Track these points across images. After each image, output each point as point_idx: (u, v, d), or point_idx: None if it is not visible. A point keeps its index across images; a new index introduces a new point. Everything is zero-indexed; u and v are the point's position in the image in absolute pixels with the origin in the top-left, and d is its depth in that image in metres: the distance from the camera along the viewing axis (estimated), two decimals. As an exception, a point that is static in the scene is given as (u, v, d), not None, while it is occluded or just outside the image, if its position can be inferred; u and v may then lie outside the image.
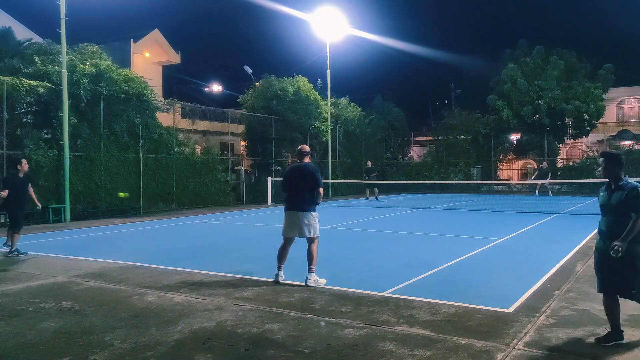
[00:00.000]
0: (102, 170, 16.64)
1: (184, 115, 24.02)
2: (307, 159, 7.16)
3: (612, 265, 4.37)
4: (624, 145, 32.48)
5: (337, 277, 7.01)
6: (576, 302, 5.69)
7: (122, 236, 11.75)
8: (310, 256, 6.81)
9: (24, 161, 9.71)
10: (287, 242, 7.06)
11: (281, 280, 6.83)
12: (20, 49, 17.73)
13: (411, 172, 34.59)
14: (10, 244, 9.21)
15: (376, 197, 23.53)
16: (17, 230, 9.20)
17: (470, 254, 8.80)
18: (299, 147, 7.34)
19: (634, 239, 4.29)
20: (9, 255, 9.08)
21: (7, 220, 9.82)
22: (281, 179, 7.34)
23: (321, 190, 7.01)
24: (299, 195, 6.92)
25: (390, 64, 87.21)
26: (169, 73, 35.24)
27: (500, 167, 34.51)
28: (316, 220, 6.96)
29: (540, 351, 4.22)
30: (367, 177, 24.40)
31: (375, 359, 4.12)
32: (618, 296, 4.49)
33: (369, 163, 25.49)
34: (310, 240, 6.88)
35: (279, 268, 6.92)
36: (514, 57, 32.39)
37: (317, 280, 6.71)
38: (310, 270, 6.75)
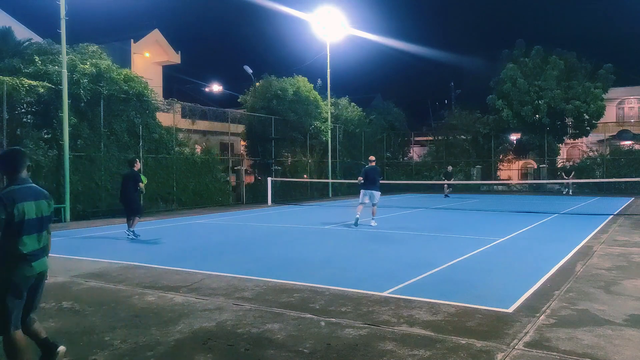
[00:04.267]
0: (102, 170, 16.63)
1: (184, 115, 24.02)
2: (373, 164, 13.57)
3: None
4: (624, 145, 32.48)
5: (337, 277, 7.02)
6: (576, 302, 5.68)
7: (122, 236, 11.73)
8: (373, 212, 13.20)
9: (137, 160, 11.86)
10: (363, 205, 13.15)
11: (356, 217, 12.91)
12: (20, 49, 17.71)
13: (411, 172, 34.60)
14: (133, 230, 11.18)
15: (447, 194, 25.44)
16: (139, 214, 11.39)
17: (470, 254, 8.80)
18: (369, 157, 14.00)
19: None
20: (126, 232, 11.08)
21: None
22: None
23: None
24: (373, 182, 13.09)
25: (390, 64, 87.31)
26: (169, 73, 35.27)
27: (500, 167, 34.52)
28: (379, 194, 13.24)
29: (540, 351, 4.21)
30: (444, 179, 26.28)
31: (375, 359, 4.11)
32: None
33: (449, 168, 27.75)
34: (375, 205, 13.18)
35: (356, 219, 12.91)
36: (512, 58, 32.41)
37: (375, 224, 12.90)
38: (372, 218, 13.10)
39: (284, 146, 26.00)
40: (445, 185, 25.76)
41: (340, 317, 5.17)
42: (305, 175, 26.49)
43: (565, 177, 27.92)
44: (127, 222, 11.33)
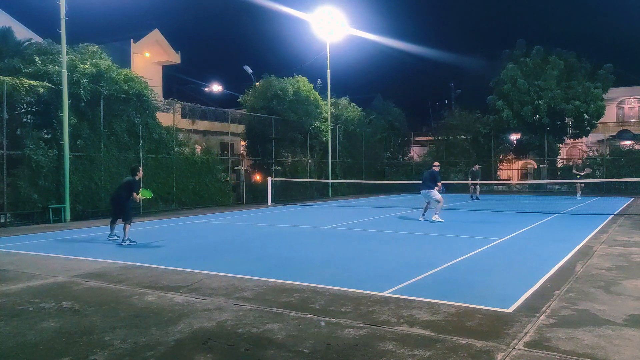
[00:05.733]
0: (102, 170, 16.63)
1: (184, 115, 24.02)
2: (435, 168, 14.83)
3: None
4: (624, 145, 32.47)
5: (337, 277, 7.02)
6: (576, 302, 5.68)
7: (122, 236, 11.72)
8: (434, 207, 14.17)
9: (141, 168, 11.50)
10: (428, 204, 14.56)
11: (421, 219, 14.27)
12: (20, 49, 17.71)
13: (411, 172, 34.58)
14: (115, 233, 10.99)
15: (477, 196, 24.53)
16: (129, 222, 10.71)
17: (470, 254, 8.80)
18: (434, 162, 15.74)
19: None
20: (122, 244, 10.39)
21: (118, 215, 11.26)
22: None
23: (439, 184, 14.43)
24: (423, 183, 14.41)
25: (390, 64, 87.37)
26: (169, 73, 35.26)
27: (500, 167, 34.51)
28: (434, 192, 14.13)
29: (540, 351, 4.21)
30: (470, 179, 25.62)
31: (375, 359, 4.11)
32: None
33: (477, 167, 26.38)
34: (436, 202, 14.07)
35: (422, 214, 14.52)
36: (512, 57, 32.40)
37: (439, 219, 13.80)
38: (435, 213, 13.97)
39: (284, 146, 26.00)
40: (472, 186, 24.76)
41: (340, 317, 5.17)
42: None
43: (578, 173, 23.62)
44: (111, 225, 11.20)
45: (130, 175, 11.16)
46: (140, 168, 11.53)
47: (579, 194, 24.22)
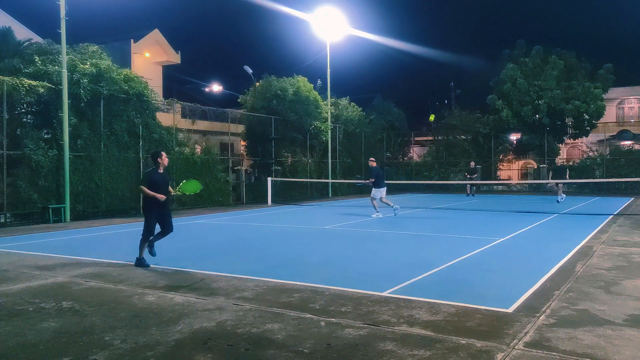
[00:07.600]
0: (102, 170, 16.64)
1: (184, 115, 24.01)
2: (373, 164, 16.13)
3: None
4: (624, 145, 32.47)
5: (337, 277, 7.01)
6: (576, 302, 5.68)
7: (122, 236, 11.74)
8: (387, 203, 15.38)
9: (164, 154, 8.03)
10: (382, 199, 15.48)
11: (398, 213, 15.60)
12: (20, 49, 17.70)
13: (411, 172, 34.59)
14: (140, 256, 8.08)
15: (473, 194, 25.65)
16: (143, 235, 8.17)
17: (470, 254, 8.80)
18: (370, 159, 16.75)
19: None
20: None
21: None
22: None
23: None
24: (384, 181, 15.49)
25: (390, 64, 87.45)
26: (169, 73, 35.26)
27: (500, 167, 34.51)
28: (373, 192, 15.58)
29: (540, 351, 4.21)
30: (468, 177, 26.33)
31: (375, 359, 4.11)
32: None
33: (472, 164, 27.66)
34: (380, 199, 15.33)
35: (394, 208, 15.50)
36: (512, 58, 32.41)
37: (380, 215, 15.29)
38: (377, 210, 15.51)
39: (284, 146, 26.00)
40: (468, 185, 25.21)
41: (340, 317, 5.17)
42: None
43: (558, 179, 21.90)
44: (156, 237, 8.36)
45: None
46: (163, 153, 8.14)
47: (561, 197, 22.41)
